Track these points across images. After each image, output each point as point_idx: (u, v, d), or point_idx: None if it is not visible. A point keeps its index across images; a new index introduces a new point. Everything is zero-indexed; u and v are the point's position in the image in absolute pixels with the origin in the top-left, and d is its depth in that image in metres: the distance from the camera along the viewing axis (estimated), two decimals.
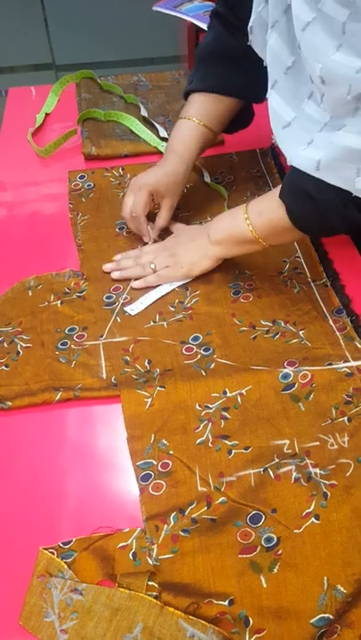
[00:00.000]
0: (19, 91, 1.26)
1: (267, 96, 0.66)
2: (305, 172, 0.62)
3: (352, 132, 0.58)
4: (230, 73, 0.83)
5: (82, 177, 0.98)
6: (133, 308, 0.75)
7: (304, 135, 0.63)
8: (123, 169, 0.99)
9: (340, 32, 0.54)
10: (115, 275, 0.80)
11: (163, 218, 0.85)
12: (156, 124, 1.07)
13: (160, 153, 1.02)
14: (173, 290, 0.77)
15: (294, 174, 0.64)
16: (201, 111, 0.85)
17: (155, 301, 0.76)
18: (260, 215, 0.71)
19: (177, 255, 0.79)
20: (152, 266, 0.79)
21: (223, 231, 0.75)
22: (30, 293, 0.78)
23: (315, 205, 0.64)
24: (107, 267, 0.81)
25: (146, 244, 0.84)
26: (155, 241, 0.84)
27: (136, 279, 0.79)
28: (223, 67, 0.83)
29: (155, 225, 0.85)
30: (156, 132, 1.06)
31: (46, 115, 1.14)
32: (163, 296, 0.76)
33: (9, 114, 1.18)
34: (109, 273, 0.80)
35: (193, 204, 0.91)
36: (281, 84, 0.64)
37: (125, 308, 0.74)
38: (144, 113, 1.10)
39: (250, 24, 0.67)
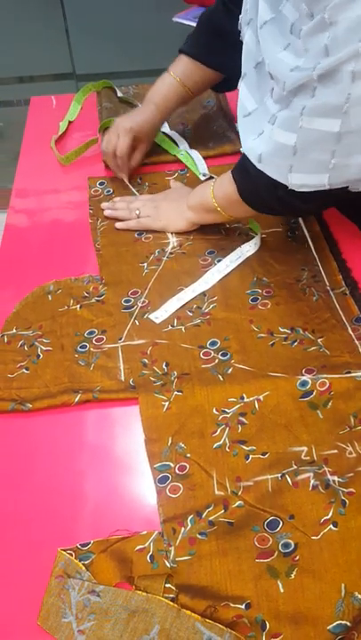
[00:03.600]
0: (40, 100, 1.28)
1: (238, 87, 0.71)
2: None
3: (282, 128, 0.62)
4: (217, 48, 0.91)
5: (101, 183, 0.99)
6: (158, 316, 0.75)
7: (258, 126, 0.67)
8: (141, 178, 1.00)
9: (288, 32, 0.60)
10: (106, 212, 0.91)
11: (137, 160, 0.98)
12: (173, 136, 1.09)
13: (179, 161, 1.03)
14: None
15: (244, 154, 0.71)
16: (184, 73, 0.96)
17: (178, 309, 0.76)
18: (220, 187, 0.79)
19: (159, 209, 0.88)
20: (137, 212, 0.89)
21: (195, 198, 0.84)
22: (50, 298, 0.79)
23: (253, 184, 0.71)
24: (104, 205, 0.92)
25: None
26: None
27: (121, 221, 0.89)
28: (213, 40, 0.92)
29: (129, 164, 0.97)
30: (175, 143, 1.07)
31: (69, 122, 1.16)
32: (185, 304, 0.77)
33: (31, 122, 1.20)
34: (127, 277, 0.81)
35: None
36: (249, 76, 0.69)
37: (150, 316, 0.75)
38: (165, 128, 1.11)
39: (240, 20, 0.72)
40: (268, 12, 0.61)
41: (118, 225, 0.89)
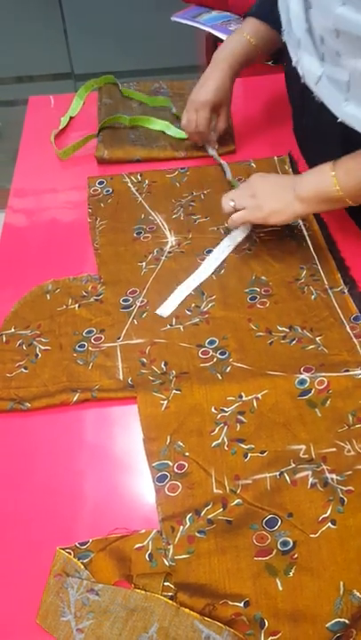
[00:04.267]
0: (39, 99, 1.28)
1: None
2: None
3: None
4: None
5: (101, 182, 0.99)
6: (164, 311, 0.75)
7: (340, 89, 0.64)
8: (141, 175, 1.00)
9: None
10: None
11: (224, 121, 0.99)
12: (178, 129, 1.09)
13: (180, 160, 1.04)
14: (190, 294, 0.78)
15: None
16: (253, 31, 0.94)
17: (184, 299, 0.77)
18: (348, 173, 0.71)
19: (258, 198, 0.78)
20: (231, 204, 0.81)
21: (309, 189, 0.75)
22: (48, 297, 0.79)
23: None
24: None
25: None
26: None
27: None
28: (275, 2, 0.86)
29: (216, 129, 0.99)
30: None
31: (71, 118, 1.16)
32: (184, 302, 0.77)
33: (29, 122, 1.20)
34: (126, 276, 0.81)
35: (210, 209, 0.92)
36: (305, 42, 0.66)
37: (157, 312, 0.75)
38: (174, 114, 1.12)
39: None
40: None
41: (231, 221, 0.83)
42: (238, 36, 0.96)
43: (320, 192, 0.74)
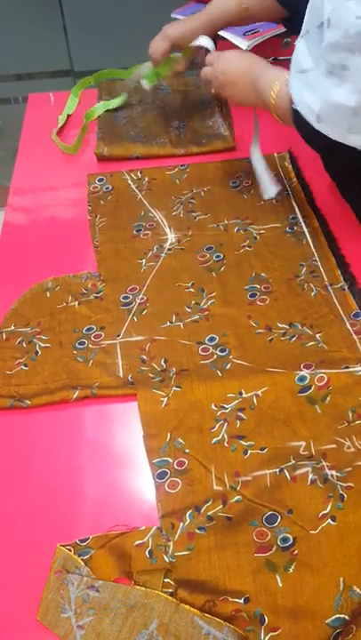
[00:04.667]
0: (38, 97, 1.28)
1: (295, 43, 0.70)
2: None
3: (342, 89, 0.61)
4: None
5: (101, 180, 0.99)
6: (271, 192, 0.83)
7: (315, 83, 0.66)
8: (141, 172, 1.00)
9: None
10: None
11: (181, 64, 1.05)
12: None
13: (179, 157, 1.04)
14: (191, 291, 0.78)
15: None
16: None
17: (183, 296, 0.78)
18: (283, 93, 0.75)
19: (225, 77, 0.87)
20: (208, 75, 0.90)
21: (262, 83, 0.80)
22: (48, 295, 0.79)
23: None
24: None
25: None
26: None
27: None
28: None
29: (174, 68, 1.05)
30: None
31: (68, 116, 1.16)
32: (184, 299, 0.77)
33: (29, 120, 1.20)
34: (126, 274, 0.81)
35: (210, 206, 0.92)
36: (311, 35, 0.67)
37: (265, 196, 0.86)
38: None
39: None
40: None
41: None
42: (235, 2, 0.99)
43: (264, 92, 0.79)
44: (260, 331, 0.72)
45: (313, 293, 0.76)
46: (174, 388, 0.65)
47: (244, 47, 1.26)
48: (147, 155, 1.04)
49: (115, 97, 1.19)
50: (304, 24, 0.68)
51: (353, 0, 0.58)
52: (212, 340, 0.71)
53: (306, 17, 0.68)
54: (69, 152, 1.06)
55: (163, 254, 0.84)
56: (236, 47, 1.27)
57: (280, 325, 0.72)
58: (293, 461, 0.58)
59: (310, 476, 0.57)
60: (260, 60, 0.84)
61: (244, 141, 1.02)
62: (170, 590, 0.51)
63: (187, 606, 0.49)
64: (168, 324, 0.74)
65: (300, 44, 0.69)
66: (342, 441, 0.60)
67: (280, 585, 0.50)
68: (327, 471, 0.57)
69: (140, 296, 0.78)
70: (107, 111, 1.15)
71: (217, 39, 1.45)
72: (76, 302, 0.77)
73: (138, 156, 1.04)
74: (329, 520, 0.54)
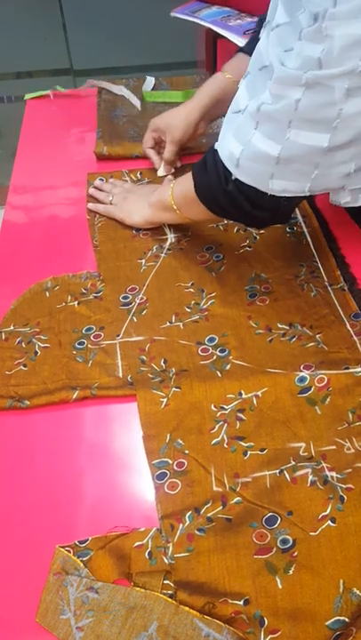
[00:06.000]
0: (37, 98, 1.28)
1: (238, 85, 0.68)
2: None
3: (267, 137, 0.60)
4: None
5: (101, 179, 0.99)
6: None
7: (244, 124, 0.64)
8: (141, 173, 1.00)
9: (297, 38, 0.56)
10: (90, 189, 0.96)
11: (166, 150, 0.97)
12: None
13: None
14: (190, 291, 0.78)
15: (208, 151, 0.70)
16: (233, 67, 0.94)
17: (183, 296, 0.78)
18: (180, 185, 0.78)
19: (126, 200, 0.90)
20: (110, 198, 0.92)
21: (156, 196, 0.84)
22: (47, 294, 0.79)
23: (207, 176, 0.69)
24: (96, 182, 0.97)
25: None
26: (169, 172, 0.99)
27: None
28: None
29: (164, 157, 0.97)
30: None
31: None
32: (183, 300, 0.77)
33: (28, 118, 1.20)
34: (125, 274, 0.81)
35: None
36: (252, 76, 0.65)
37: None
38: None
39: None
40: (284, 16, 0.58)
41: (90, 205, 0.93)
42: (218, 74, 0.96)
43: (162, 200, 0.82)
44: (260, 331, 0.72)
45: (313, 294, 0.76)
46: (174, 389, 0.65)
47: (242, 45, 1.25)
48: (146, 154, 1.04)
49: (114, 96, 1.19)
50: (248, 67, 0.66)
51: (282, 52, 0.58)
52: (211, 340, 0.71)
53: (250, 61, 0.66)
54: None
55: (162, 254, 0.84)
56: (237, 46, 1.27)
57: (280, 326, 0.72)
58: (293, 463, 0.58)
59: (310, 477, 0.57)
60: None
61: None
62: (169, 592, 0.50)
63: (186, 608, 0.48)
64: (168, 324, 0.74)
65: (242, 86, 0.67)
66: (342, 442, 0.60)
67: (280, 587, 0.50)
68: (327, 472, 0.57)
69: (140, 296, 0.77)
70: (106, 110, 1.15)
71: (217, 38, 1.45)
72: (76, 302, 0.77)
73: (137, 156, 1.04)
74: (329, 522, 0.54)
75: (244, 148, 0.63)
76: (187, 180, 0.75)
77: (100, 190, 0.95)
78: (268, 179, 0.62)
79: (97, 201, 0.94)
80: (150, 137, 0.99)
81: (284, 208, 0.67)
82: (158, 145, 1.01)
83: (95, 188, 0.96)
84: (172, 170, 0.99)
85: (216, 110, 0.96)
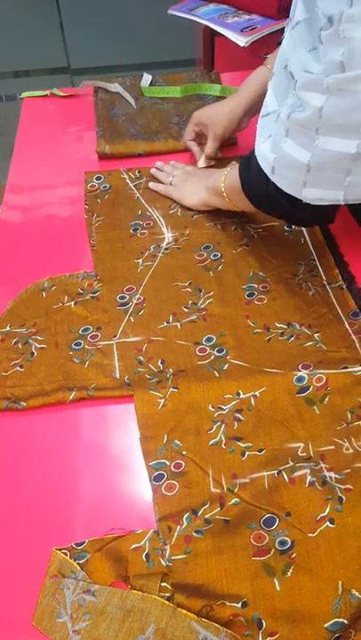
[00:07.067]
0: (33, 99, 1.27)
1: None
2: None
3: (296, 143, 0.60)
4: None
5: (98, 178, 0.98)
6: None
7: (272, 129, 0.65)
8: (139, 171, 0.99)
9: (318, 35, 0.55)
10: (152, 170, 0.98)
11: (208, 146, 0.96)
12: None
13: (177, 151, 1.04)
14: (187, 290, 0.77)
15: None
16: (274, 60, 0.92)
17: (181, 296, 0.77)
18: (230, 174, 0.79)
19: (186, 183, 0.91)
20: (170, 179, 0.93)
21: (212, 180, 0.84)
22: (44, 295, 0.78)
23: (250, 174, 0.71)
24: (157, 164, 0.98)
25: None
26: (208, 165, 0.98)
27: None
28: None
29: (206, 151, 0.97)
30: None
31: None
32: (181, 300, 0.76)
33: (25, 117, 1.19)
34: (122, 273, 0.81)
35: None
36: (277, 76, 0.65)
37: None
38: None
39: None
40: (303, 12, 0.57)
41: (151, 184, 0.95)
42: (260, 67, 0.95)
43: (216, 186, 0.83)
44: (258, 330, 0.71)
45: (311, 293, 0.75)
46: (171, 389, 0.65)
47: (241, 44, 1.25)
48: (150, 151, 1.04)
49: (110, 95, 1.19)
50: (274, 66, 0.66)
51: (306, 52, 0.57)
52: (209, 340, 0.71)
53: (276, 60, 0.65)
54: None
55: (160, 253, 0.83)
56: (234, 44, 1.27)
57: (278, 325, 0.72)
58: (292, 463, 0.58)
59: (309, 477, 0.57)
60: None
61: (247, 136, 1.00)
62: (167, 595, 0.50)
63: (184, 611, 0.48)
64: (165, 324, 0.73)
65: (269, 87, 0.67)
66: (341, 442, 0.59)
67: (278, 589, 0.50)
68: (326, 473, 0.57)
69: (137, 296, 0.77)
70: (104, 109, 1.14)
71: (215, 36, 1.45)
72: (73, 302, 0.77)
73: (140, 153, 1.03)
74: (327, 523, 0.53)
75: (276, 156, 0.63)
76: (235, 172, 0.76)
77: (160, 170, 0.97)
78: (301, 187, 0.62)
79: (157, 180, 0.96)
80: (192, 130, 0.99)
81: (324, 209, 0.66)
82: (199, 137, 1.00)
83: (156, 168, 0.98)
84: (213, 162, 0.99)
85: (259, 105, 0.95)
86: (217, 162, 0.99)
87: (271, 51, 1.23)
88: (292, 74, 0.59)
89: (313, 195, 0.62)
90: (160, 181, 0.96)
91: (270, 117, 0.66)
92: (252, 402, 0.63)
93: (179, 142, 1.04)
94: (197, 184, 0.89)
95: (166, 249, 0.84)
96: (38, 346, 0.71)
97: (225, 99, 0.97)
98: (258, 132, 0.69)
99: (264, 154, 0.66)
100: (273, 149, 0.64)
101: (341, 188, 0.60)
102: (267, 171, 0.66)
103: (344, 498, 0.55)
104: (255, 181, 0.70)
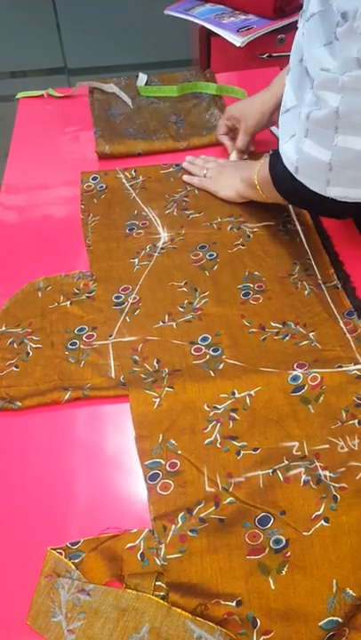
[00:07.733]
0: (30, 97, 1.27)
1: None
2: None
3: (316, 143, 0.60)
4: None
5: (94, 178, 0.98)
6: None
7: (294, 126, 0.65)
8: (135, 170, 0.99)
9: (333, 29, 0.55)
10: (184, 164, 0.99)
11: (239, 139, 0.97)
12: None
13: (176, 150, 1.04)
14: (183, 290, 0.77)
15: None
16: None
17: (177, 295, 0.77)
18: (263, 167, 0.79)
19: (221, 175, 0.92)
20: (204, 171, 0.94)
21: (246, 172, 0.85)
22: (40, 294, 0.78)
23: (279, 168, 0.71)
24: (189, 158, 0.99)
25: None
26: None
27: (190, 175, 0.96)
28: None
29: (236, 145, 0.97)
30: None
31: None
32: (176, 299, 0.76)
33: (21, 117, 1.19)
34: (118, 273, 0.81)
35: (204, 205, 0.91)
36: (293, 71, 0.65)
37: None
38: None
39: None
40: (318, 5, 0.56)
41: (185, 177, 0.96)
42: None
43: (250, 177, 0.83)
44: (254, 330, 0.71)
45: (306, 292, 0.76)
46: (166, 389, 0.65)
47: (238, 44, 1.25)
48: (149, 150, 1.04)
49: (106, 95, 1.19)
50: (290, 60, 0.66)
51: (321, 47, 0.56)
52: (204, 339, 0.71)
53: (291, 54, 0.65)
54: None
55: (155, 253, 0.83)
56: (230, 44, 1.27)
57: (273, 324, 0.72)
58: (286, 462, 0.58)
59: (303, 476, 0.57)
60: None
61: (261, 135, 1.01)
62: (161, 594, 0.50)
63: (178, 610, 0.48)
64: (161, 323, 0.73)
65: (287, 83, 0.67)
66: (336, 441, 0.59)
67: (273, 587, 0.50)
68: (320, 472, 0.57)
69: (133, 296, 0.77)
70: (101, 109, 1.14)
71: (211, 36, 1.45)
72: (68, 302, 0.77)
73: (140, 153, 1.03)
74: (322, 521, 0.53)
75: (298, 157, 0.64)
76: (267, 166, 0.77)
77: (192, 164, 0.98)
78: (325, 185, 0.63)
79: (190, 174, 0.97)
80: (224, 124, 1.00)
81: (352, 202, 0.66)
82: (232, 132, 1.01)
83: (188, 162, 0.98)
84: (245, 156, 0.99)
85: None
86: (249, 156, 1.00)
87: (267, 51, 1.24)
88: (307, 70, 0.59)
89: (338, 193, 0.63)
90: (192, 174, 0.96)
91: (290, 114, 0.66)
92: (248, 401, 0.63)
93: (178, 141, 1.04)
94: (233, 176, 0.90)
95: (162, 249, 0.84)
96: (34, 346, 0.71)
97: (257, 93, 0.96)
98: (280, 131, 0.69)
99: (287, 154, 0.66)
100: (295, 150, 0.64)
101: None
102: (291, 170, 0.66)
103: (339, 496, 0.55)
104: (283, 177, 0.71)
